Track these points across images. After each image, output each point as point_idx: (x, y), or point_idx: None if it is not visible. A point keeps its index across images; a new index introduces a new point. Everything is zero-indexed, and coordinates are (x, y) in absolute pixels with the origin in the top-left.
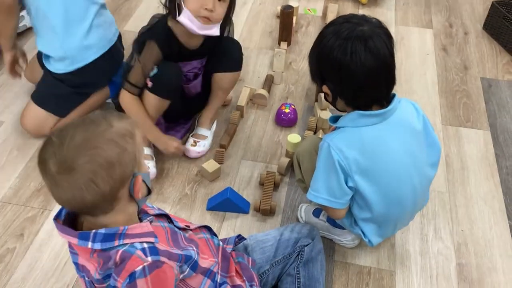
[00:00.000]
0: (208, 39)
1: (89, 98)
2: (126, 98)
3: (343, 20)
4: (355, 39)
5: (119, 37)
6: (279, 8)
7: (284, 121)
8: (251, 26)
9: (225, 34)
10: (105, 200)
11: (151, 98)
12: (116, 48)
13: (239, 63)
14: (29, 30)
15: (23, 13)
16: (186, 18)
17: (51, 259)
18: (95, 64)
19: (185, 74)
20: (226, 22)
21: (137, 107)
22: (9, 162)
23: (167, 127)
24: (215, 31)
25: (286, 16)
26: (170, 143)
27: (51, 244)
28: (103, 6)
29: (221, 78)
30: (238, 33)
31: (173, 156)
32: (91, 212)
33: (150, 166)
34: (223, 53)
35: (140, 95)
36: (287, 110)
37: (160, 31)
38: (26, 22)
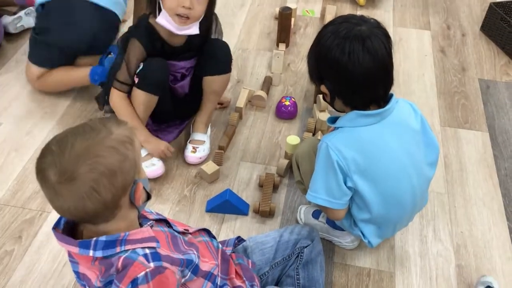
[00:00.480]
0: (192, 35)
1: (69, 67)
2: (116, 97)
3: (342, 20)
4: (353, 39)
5: (110, 22)
6: (277, 10)
7: (285, 113)
8: (250, 28)
9: (213, 33)
10: (107, 208)
11: (139, 95)
12: (93, 16)
13: (228, 64)
14: (26, 31)
15: (21, 13)
16: (163, 19)
17: (50, 261)
18: (53, 7)
19: (172, 74)
20: (209, 20)
21: (126, 107)
22: (7, 163)
23: (160, 129)
24: (194, 30)
25: (284, 17)
26: (158, 144)
27: (50, 246)
28: None
29: (211, 81)
30: (236, 35)
31: (166, 158)
32: (92, 220)
33: (155, 162)
34: (211, 56)
35: (129, 95)
36: (287, 103)
37: (142, 29)
38: (23, 22)
